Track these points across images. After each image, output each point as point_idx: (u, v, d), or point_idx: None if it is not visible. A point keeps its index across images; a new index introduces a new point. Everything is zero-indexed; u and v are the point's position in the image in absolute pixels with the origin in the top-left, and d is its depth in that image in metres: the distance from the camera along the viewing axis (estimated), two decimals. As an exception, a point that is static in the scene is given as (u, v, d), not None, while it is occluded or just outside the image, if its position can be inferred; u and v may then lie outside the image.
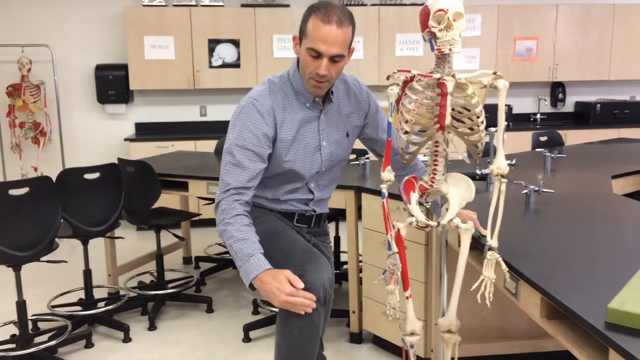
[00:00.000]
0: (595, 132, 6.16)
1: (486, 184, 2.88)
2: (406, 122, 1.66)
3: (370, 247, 3.02)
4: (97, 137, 6.13)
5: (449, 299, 1.76)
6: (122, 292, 3.93)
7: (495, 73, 1.63)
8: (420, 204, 1.75)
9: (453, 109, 1.66)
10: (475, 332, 2.80)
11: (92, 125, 6.11)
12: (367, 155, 3.56)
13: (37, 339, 3.26)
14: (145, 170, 3.47)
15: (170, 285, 3.98)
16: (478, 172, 2.90)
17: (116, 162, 3.47)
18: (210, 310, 3.75)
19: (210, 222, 5.86)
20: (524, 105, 6.68)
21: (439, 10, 1.56)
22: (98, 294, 3.97)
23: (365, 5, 5.97)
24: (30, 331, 3.33)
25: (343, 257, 4.41)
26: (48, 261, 3.19)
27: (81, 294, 3.95)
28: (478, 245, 1.88)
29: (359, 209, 3.13)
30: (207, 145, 5.68)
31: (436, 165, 1.72)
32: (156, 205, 3.69)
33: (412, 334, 1.75)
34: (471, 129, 1.68)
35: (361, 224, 3.06)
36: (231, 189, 1.77)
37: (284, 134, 1.84)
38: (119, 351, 3.23)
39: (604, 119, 6.32)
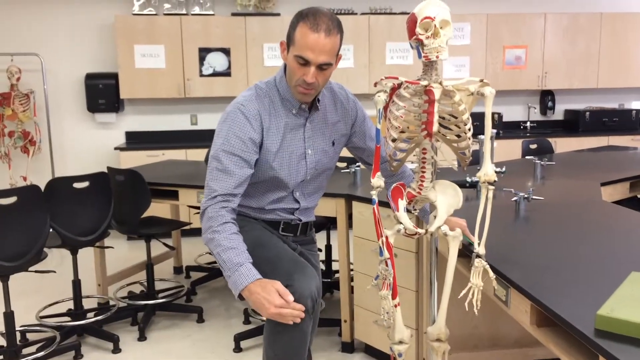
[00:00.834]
0: (585, 140, 6.20)
1: (476, 192, 2.88)
2: (394, 129, 1.66)
3: (361, 256, 3.01)
4: (87, 146, 6.10)
5: (439, 307, 1.75)
6: (111, 302, 3.90)
7: (482, 80, 1.63)
8: (408, 211, 1.75)
9: (441, 117, 1.66)
10: (466, 341, 2.79)
11: (82, 134, 6.08)
12: (357, 164, 3.56)
13: (25, 350, 3.23)
14: (135, 179, 3.45)
15: (160, 295, 3.95)
16: (468, 179, 2.91)
17: (106, 171, 3.45)
18: (201, 320, 3.72)
19: (200, 232, 5.82)
20: (514, 113, 6.72)
21: (426, 17, 1.57)
22: (87, 304, 3.93)
23: (356, 14, 6.00)
24: (18, 342, 3.30)
25: (334, 266, 4.40)
26: (36, 271, 3.16)
27: (70, 305, 3.91)
28: (467, 253, 1.88)
29: (349, 217, 3.12)
30: (198, 154, 5.66)
31: (424, 172, 1.72)
32: (146, 214, 3.67)
33: (401, 342, 1.74)
34: (459, 136, 1.68)
35: (352, 232, 3.05)
36: (218, 195, 1.75)
37: (270, 140, 1.83)
38: (108, 362, 3.20)
39: (593, 126, 6.36)
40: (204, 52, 5.77)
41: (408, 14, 6.03)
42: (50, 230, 3.05)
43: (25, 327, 3.50)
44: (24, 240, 2.85)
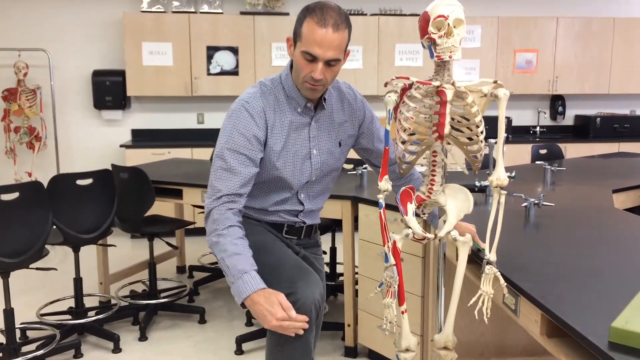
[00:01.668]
0: (595, 146, 6.13)
1: (485, 196, 2.83)
2: (404, 130, 1.61)
3: (366, 259, 2.96)
4: (92, 143, 6.08)
5: (446, 315, 1.70)
6: (113, 301, 3.86)
7: (495, 82, 1.58)
8: (417, 215, 1.70)
9: (452, 118, 1.61)
10: (472, 349, 2.74)
11: (88, 131, 6.06)
12: (364, 165, 3.51)
13: (24, 348, 3.19)
14: (139, 177, 3.41)
15: (162, 294, 3.91)
16: (477, 183, 2.85)
17: (111, 168, 3.42)
18: (202, 320, 3.67)
19: (204, 231, 5.79)
20: (524, 117, 6.65)
21: (439, 16, 1.52)
22: (89, 302, 3.90)
23: (365, 14, 5.95)
24: (18, 340, 3.27)
25: (339, 269, 4.35)
26: (37, 268, 3.13)
27: (71, 303, 3.88)
28: (476, 259, 1.83)
29: (355, 219, 3.07)
30: (204, 153, 5.63)
31: (434, 175, 1.67)
32: (150, 212, 3.64)
33: (407, 350, 1.69)
34: (470, 138, 1.63)
35: (358, 235, 3.01)
36: (223, 195, 1.69)
37: (274, 138, 1.78)
38: (108, 362, 3.17)
39: (603, 132, 6.28)
40: (211, 51, 5.74)
41: (418, 15, 5.98)
42: (53, 227, 3.02)
43: (25, 325, 3.47)
44: (25, 236, 2.82)
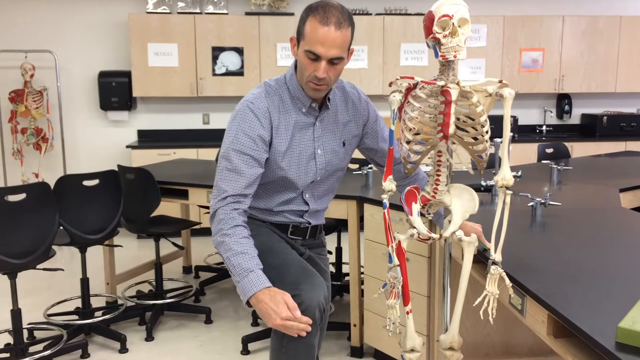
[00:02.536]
0: (602, 145, 6.09)
1: (491, 196, 2.82)
2: (409, 130, 1.61)
3: (372, 259, 2.95)
4: (99, 144, 6.10)
5: (452, 315, 1.70)
6: (119, 302, 3.88)
7: (500, 81, 1.57)
8: (422, 215, 1.69)
9: (457, 118, 1.61)
10: (478, 349, 2.73)
11: (95, 132, 6.08)
12: (369, 165, 3.51)
13: (32, 348, 3.21)
14: (145, 178, 3.42)
15: (169, 295, 3.92)
16: (483, 183, 2.84)
17: (117, 169, 3.43)
18: (209, 321, 3.68)
19: (210, 231, 5.80)
20: (530, 116, 6.63)
21: (444, 15, 1.52)
22: (95, 302, 3.91)
23: (370, 14, 5.95)
24: (25, 340, 3.28)
25: (345, 269, 4.34)
26: (44, 269, 3.14)
27: (78, 303, 3.90)
28: (482, 259, 1.82)
29: (361, 219, 3.07)
30: (210, 154, 5.64)
31: (439, 175, 1.66)
32: (156, 213, 3.65)
33: (412, 350, 1.68)
34: (475, 138, 1.63)
35: (363, 235, 3.00)
36: (228, 196, 1.70)
37: (279, 139, 1.78)
38: (115, 362, 3.18)
39: (610, 131, 6.25)
40: (217, 51, 5.75)
41: (423, 14, 5.96)
42: (60, 227, 3.03)
43: (33, 325, 3.49)
44: (32, 237, 2.83)
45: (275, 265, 1.74)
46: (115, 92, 5.78)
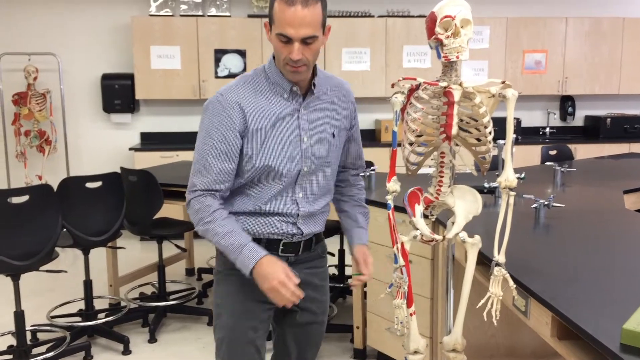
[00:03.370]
0: (606, 147, 6.08)
1: (494, 198, 2.81)
2: (411, 132, 1.61)
3: (375, 261, 2.95)
4: (102, 147, 6.11)
5: (455, 317, 1.69)
6: (122, 303, 3.88)
7: (503, 82, 1.57)
8: (425, 216, 1.69)
9: (460, 119, 1.60)
10: (482, 351, 2.72)
11: (98, 134, 6.09)
12: (372, 167, 3.50)
13: (35, 350, 3.21)
14: (148, 180, 3.42)
15: (171, 296, 3.92)
16: (486, 185, 2.84)
17: (120, 171, 3.43)
18: (211, 323, 3.68)
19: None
20: (533, 118, 6.62)
21: (446, 16, 1.51)
22: (98, 304, 3.91)
23: (373, 16, 5.95)
24: (28, 342, 3.28)
25: (347, 271, 4.34)
26: (47, 271, 3.15)
27: (81, 305, 3.90)
28: (485, 261, 1.82)
29: (363, 221, 3.06)
30: (212, 156, 5.63)
31: (442, 177, 1.66)
32: (159, 215, 3.65)
33: (416, 352, 1.68)
34: (478, 139, 1.62)
35: (366, 237, 2.99)
36: (197, 190, 1.68)
37: (256, 126, 1.69)
38: (118, 364, 3.17)
39: (614, 133, 6.23)
40: (219, 54, 5.76)
41: (426, 16, 5.96)
42: (63, 229, 3.04)
43: (36, 327, 3.49)
44: (35, 239, 2.84)
45: (226, 326, 1.76)
46: (118, 94, 5.79)
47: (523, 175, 2.92)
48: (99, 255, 5.11)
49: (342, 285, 4.04)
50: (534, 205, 2.46)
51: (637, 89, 6.28)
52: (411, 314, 1.64)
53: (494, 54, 6.07)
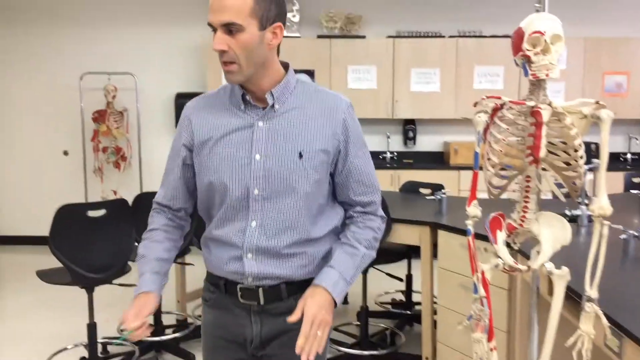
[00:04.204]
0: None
1: (577, 227, 2.64)
2: (495, 153, 1.52)
3: (446, 289, 2.83)
4: (173, 164, 6.28)
5: (540, 355, 1.57)
6: (189, 320, 3.91)
7: (597, 102, 1.46)
8: (507, 244, 1.59)
9: (548, 141, 1.50)
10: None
11: (170, 152, 6.26)
12: (443, 190, 3.39)
13: (104, 362, 3.28)
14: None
15: (236, 315, 3.92)
16: (567, 212, 2.67)
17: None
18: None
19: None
20: (613, 144, 6.27)
21: (535, 32, 1.43)
22: (166, 320, 3.96)
23: (443, 36, 5.85)
24: (99, 354, 3.36)
25: (415, 297, 4.20)
26: (120, 284, 3.21)
27: (150, 319, 3.96)
28: (573, 296, 1.68)
29: (434, 246, 2.96)
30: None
31: (527, 202, 1.55)
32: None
33: (496, 390, 1.56)
34: (568, 163, 1.51)
35: (437, 263, 2.89)
36: (154, 202, 1.66)
37: (203, 140, 1.55)
38: (183, 380, 3.18)
39: None
40: (289, 74, 5.81)
41: (498, 37, 5.81)
42: (136, 244, 3.10)
43: (107, 340, 3.57)
44: (110, 252, 2.91)
45: (203, 356, 1.67)
46: (191, 113, 5.94)
47: (609, 202, 2.73)
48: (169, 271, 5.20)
49: (409, 312, 3.92)
50: (623, 236, 2.28)
51: None
52: (492, 349, 1.53)
53: (571, 75, 5.82)
